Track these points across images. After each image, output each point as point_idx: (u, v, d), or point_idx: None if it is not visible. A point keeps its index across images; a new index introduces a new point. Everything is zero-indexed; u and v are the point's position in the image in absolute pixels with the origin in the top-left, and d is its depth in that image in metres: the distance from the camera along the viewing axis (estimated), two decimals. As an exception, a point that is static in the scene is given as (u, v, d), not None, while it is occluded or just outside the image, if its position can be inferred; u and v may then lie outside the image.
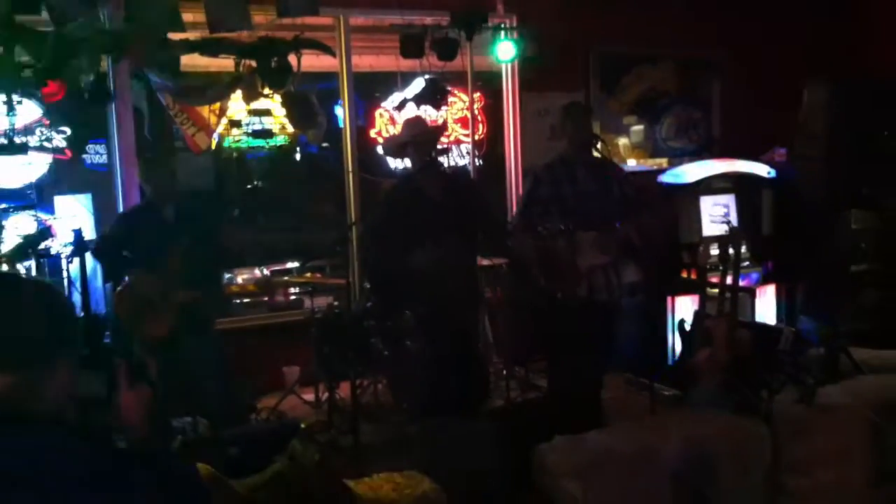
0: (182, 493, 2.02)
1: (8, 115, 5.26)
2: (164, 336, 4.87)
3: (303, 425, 3.46)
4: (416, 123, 5.77)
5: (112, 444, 1.99)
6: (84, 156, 6.43)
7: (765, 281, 7.05)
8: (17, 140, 5.64)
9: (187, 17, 5.78)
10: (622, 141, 8.15)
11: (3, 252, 5.29)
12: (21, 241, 5.19)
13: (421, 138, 5.35)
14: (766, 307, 6.96)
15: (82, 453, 1.81)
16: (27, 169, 6.07)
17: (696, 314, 5.93)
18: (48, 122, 6.20)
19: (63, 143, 6.27)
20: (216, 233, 5.20)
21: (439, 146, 7.13)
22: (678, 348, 6.06)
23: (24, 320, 1.84)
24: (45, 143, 6.19)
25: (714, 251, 6.45)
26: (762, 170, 7.22)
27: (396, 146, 5.68)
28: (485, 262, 6.22)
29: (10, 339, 1.81)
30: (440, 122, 7.72)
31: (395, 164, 7.57)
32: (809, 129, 7.27)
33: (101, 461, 1.83)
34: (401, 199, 5.31)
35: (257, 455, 3.94)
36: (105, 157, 6.37)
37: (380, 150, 7.51)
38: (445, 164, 6.27)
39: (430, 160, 5.24)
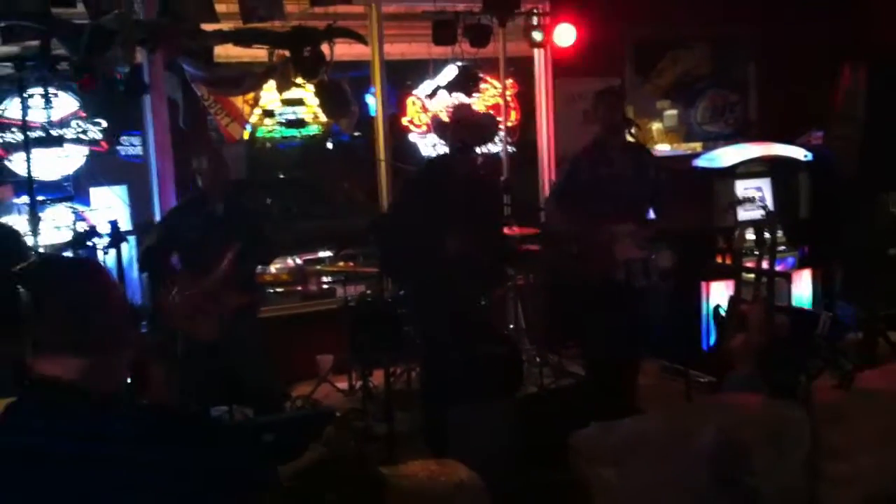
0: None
1: (44, 107, 5.31)
2: (215, 338, 4.89)
3: (338, 413, 3.47)
4: (488, 119, 5.77)
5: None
6: (118, 147, 6.48)
7: (801, 265, 6.97)
8: (54, 133, 5.70)
9: (220, 7, 5.80)
10: (656, 125, 8.09)
11: (40, 244, 5.32)
12: (69, 237, 5.23)
13: (474, 122, 5.33)
14: (802, 291, 6.89)
15: (158, 431, 1.85)
16: (64, 161, 6.13)
17: (732, 299, 5.89)
18: (84, 114, 6.26)
19: (99, 135, 6.32)
20: (265, 225, 5.19)
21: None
22: (713, 334, 6.04)
23: (105, 306, 1.89)
24: (82, 136, 6.25)
25: (750, 236, 6.42)
26: (798, 153, 7.14)
27: (463, 129, 5.60)
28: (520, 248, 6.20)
29: (92, 324, 1.86)
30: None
31: (428, 151, 7.57)
32: (847, 110, 7.15)
33: (177, 433, 1.88)
34: (423, 186, 5.27)
35: (292, 442, 3.98)
36: (140, 148, 6.42)
37: (414, 134, 7.48)
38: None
39: (469, 146, 5.19)
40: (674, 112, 8.18)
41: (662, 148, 7.94)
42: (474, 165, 5.42)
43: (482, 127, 5.54)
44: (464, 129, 5.14)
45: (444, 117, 7.62)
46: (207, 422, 2.09)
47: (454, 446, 4.36)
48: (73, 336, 1.82)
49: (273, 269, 7.71)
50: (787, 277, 5.82)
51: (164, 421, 1.89)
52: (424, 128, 7.71)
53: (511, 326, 6.93)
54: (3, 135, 6.08)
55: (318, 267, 7.12)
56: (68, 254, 5.18)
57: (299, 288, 7.52)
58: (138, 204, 6.36)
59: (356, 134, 7.80)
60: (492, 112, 7.46)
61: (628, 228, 5.14)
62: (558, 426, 4.23)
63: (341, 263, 6.63)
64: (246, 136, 7.24)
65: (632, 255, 5.18)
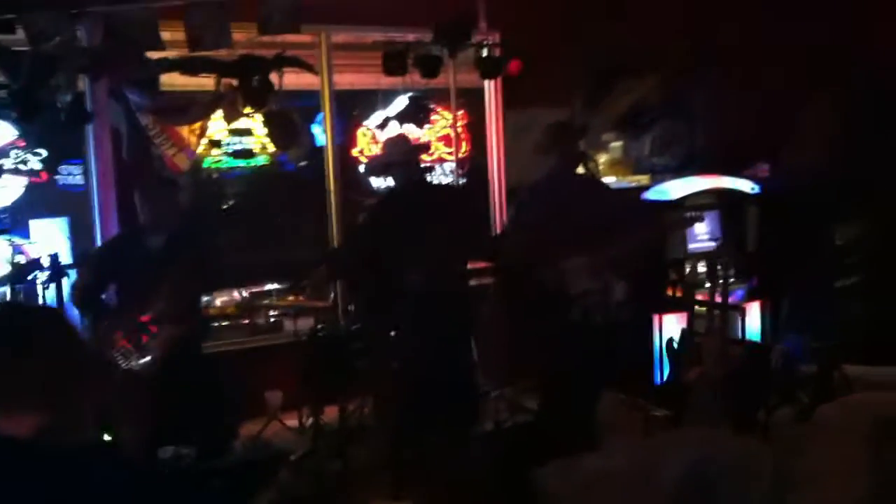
0: None
1: (-20, 136, 5.10)
2: (152, 374, 4.73)
3: (292, 457, 3.33)
4: (398, 142, 5.67)
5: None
6: (58, 177, 6.27)
7: (750, 297, 6.99)
8: (-9, 162, 5.50)
9: (167, 35, 5.65)
10: (602, 157, 8.08)
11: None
12: (6, 271, 5.01)
13: (403, 158, 5.23)
14: (751, 324, 6.90)
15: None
16: (1, 192, 5.91)
17: (685, 332, 5.88)
18: (23, 143, 6.05)
19: (39, 165, 6.11)
20: (205, 258, 5.02)
21: (423, 165, 7.06)
22: (667, 367, 6.01)
23: (65, 358, 1.74)
24: (20, 166, 6.03)
25: (701, 268, 6.43)
26: (746, 185, 7.19)
27: (380, 166, 5.58)
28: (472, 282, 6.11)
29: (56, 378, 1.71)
30: (423, 140, 7.63)
31: (379, 182, 7.47)
32: (804, 139, 7.24)
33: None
34: (385, 218, 5.19)
35: (243, 488, 3.83)
36: (80, 177, 6.21)
37: (362, 169, 7.41)
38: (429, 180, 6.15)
39: (414, 178, 5.13)
40: (619, 144, 8.19)
41: (608, 181, 7.94)
42: (429, 188, 5.36)
43: (412, 155, 5.44)
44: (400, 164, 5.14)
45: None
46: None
47: (413, 486, 4.25)
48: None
49: (218, 301, 7.53)
50: (740, 310, 5.81)
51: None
52: (366, 169, 7.60)
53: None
54: (-62, 164, 5.86)
55: (266, 301, 6.94)
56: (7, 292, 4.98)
57: (246, 322, 7.35)
58: (80, 236, 6.15)
59: (302, 163, 7.67)
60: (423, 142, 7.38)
61: (580, 261, 5.08)
62: (517, 464, 4.16)
63: (290, 298, 6.47)
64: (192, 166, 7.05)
65: (586, 287, 5.12)
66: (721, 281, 5.72)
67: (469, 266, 5.90)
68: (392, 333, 4.89)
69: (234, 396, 5.79)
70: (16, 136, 6.03)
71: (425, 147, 7.23)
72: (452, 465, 4.57)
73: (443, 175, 7.80)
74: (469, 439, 5.03)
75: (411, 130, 7.37)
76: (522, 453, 4.41)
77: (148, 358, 4.76)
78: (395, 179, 5.37)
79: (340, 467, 4.94)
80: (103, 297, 5.10)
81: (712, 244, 6.87)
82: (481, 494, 4.11)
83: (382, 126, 7.33)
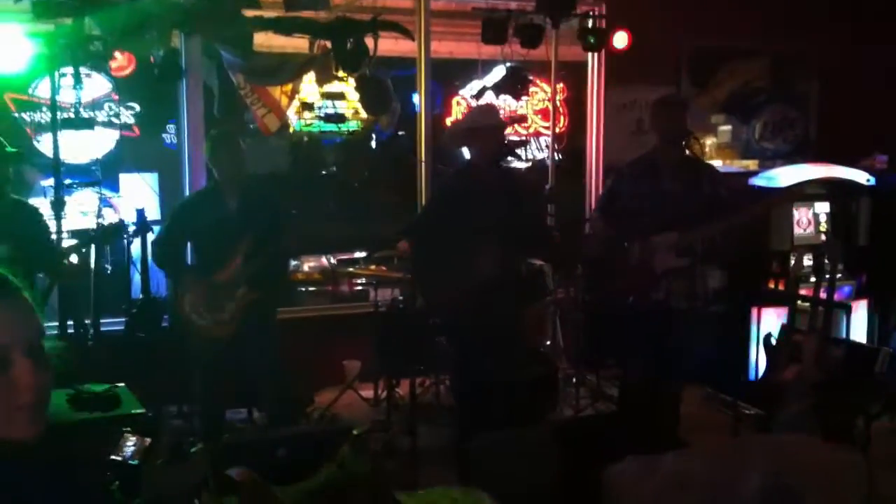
0: None
1: (74, 87, 5.11)
2: (227, 335, 4.67)
3: (356, 431, 3.20)
4: (485, 111, 5.41)
5: None
6: (164, 135, 6.30)
7: (858, 295, 6.61)
8: (85, 114, 5.51)
9: (263, -6, 5.59)
10: (709, 140, 7.75)
11: (65, 235, 5.12)
12: (93, 232, 5.02)
13: (486, 127, 4.90)
14: (857, 324, 6.52)
15: None
16: (93, 144, 5.94)
17: (784, 328, 5.56)
18: (117, 97, 6.07)
19: (131, 120, 6.12)
20: (285, 222, 4.92)
21: (516, 138, 6.84)
22: (762, 364, 5.71)
23: None
24: (114, 119, 6.06)
25: (807, 261, 6.08)
26: (861, 177, 6.77)
27: (460, 133, 5.32)
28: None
29: None
30: (519, 113, 7.40)
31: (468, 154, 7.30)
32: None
33: None
34: (454, 193, 4.94)
35: (307, 458, 3.73)
36: (173, 136, 6.23)
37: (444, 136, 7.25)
38: (515, 158, 5.88)
39: (494, 153, 4.83)
40: (728, 128, 7.85)
41: (715, 164, 7.60)
42: (508, 172, 5.08)
43: (495, 124, 5.10)
44: (479, 133, 4.81)
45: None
46: None
47: (480, 471, 4.08)
48: None
49: (306, 267, 7.52)
50: (845, 308, 5.46)
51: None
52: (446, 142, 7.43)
53: (548, 343, 6.63)
54: (33, 114, 5.91)
55: (350, 269, 6.87)
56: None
57: (330, 289, 7.31)
58: (168, 193, 6.16)
59: (400, 133, 7.56)
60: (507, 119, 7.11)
61: (668, 238, 4.81)
62: (593, 457, 3.95)
63: (373, 266, 6.37)
64: (287, 128, 7.01)
65: (672, 265, 4.84)
66: (827, 276, 5.39)
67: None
68: (464, 312, 4.66)
69: (309, 363, 5.75)
70: (110, 90, 6.05)
71: (518, 119, 6.99)
72: (525, 452, 4.37)
73: (538, 149, 7.57)
74: (545, 426, 4.83)
75: (508, 102, 7.15)
76: (600, 445, 4.18)
77: (225, 318, 4.70)
78: (472, 149, 5.09)
79: (409, 445, 4.81)
80: (183, 254, 5.04)
81: (821, 236, 6.55)
82: (552, 484, 3.91)
83: (478, 96, 7.13)
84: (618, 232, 5.00)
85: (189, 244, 5.08)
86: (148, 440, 2.83)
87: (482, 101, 6.99)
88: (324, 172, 8.07)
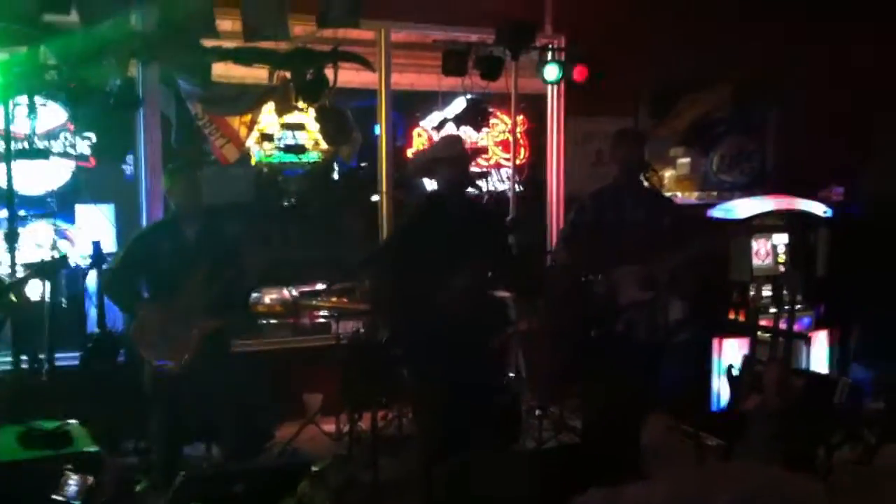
0: None
1: (29, 117, 5.03)
2: (183, 366, 4.57)
3: (315, 467, 3.14)
4: (449, 142, 5.40)
5: None
6: (122, 166, 6.23)
7: (817, 326, 6.66)
8: (39, 144, 5.43)
9: (224, 24, 5.58)
10: (668, 172, 7.79)
11: (19, 267, 5.02)
12: (39, 264, 4.91)
13: (449, 157, 4.88)
14: (817, 354, 6.56)
15: None
16: (48, 175, 5.84)
17: (746, 358, 5.58)
18: (73, 126, 5.98)
19: (87, 150, 6.04)
20: (244, 253, 4.85)
21: (477, 169, 6.84)
22: (724, 394, 5.71)
23: None
24: (69, 150, 5.97)
25: (766, 292, 6.11)
26: (819, 208, 6.85)
27: (424, 163, 5.29)
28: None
29: None
30: (479, 144, 7.41)
31: (432, 185, 7.29)
32: (882, 160, 6.89)
33: None
34: (421, 221, 4.90)
35: (265, 494, 3.65)
36: (131, 166, 6.15)
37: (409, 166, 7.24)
38: (476, 190, 5.86)
39: (458, 183, 4.80)
40: (686, 160, 7.90)
41: (674, 196, 7.64)
42: (472, 202, 5.05)
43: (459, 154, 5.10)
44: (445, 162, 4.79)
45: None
46: None
47: (442, 501, 4.04)
48: None
49: (267, 299, 7.43)
50: (805, 339, 5.49)
51: None
52: (409, 170, 7.43)
53: (511, 374, 6.58)
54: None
55: (313, 301, 6.80)
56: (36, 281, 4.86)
57: (291, 321, 7.23)
58: (125, 224, 6.07)
59: (362, 165, 7.54)
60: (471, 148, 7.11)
61: (631, 270, 4.82)
62: (556, 488, 3.91)
63: (335, 298, 6.31)
64: (245, 158, 6.96)
65: (635, 298, 4.84)
66: (787, 306, 5.43)
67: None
68: (427, 343, 4.60)
69: (269, 397, 5.66)
70: (65, 120, 5.97)
71: (479, 151, 6.99)
72: (488, 484, 4.32)
73: (499, 181, 7.58)
74: (508, 458, 4.77)
75: (469, 133, 7.16)
76: (563, 476, 4.14)
77: (181, 350, 4.60)
78: (436, 179, 5.05)
79: (370, 479, 4.73)
80: (138, 285, 4.94)
81: (780, 267, 6.59)
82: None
83: (439, 128, 7.15)
84: (581, 263, 5.00)
85: (144, 277, 4.97)
86: (91, 479, 2.76)
87: (444, 133, 7.00)
88: (285, 203, 8.02)
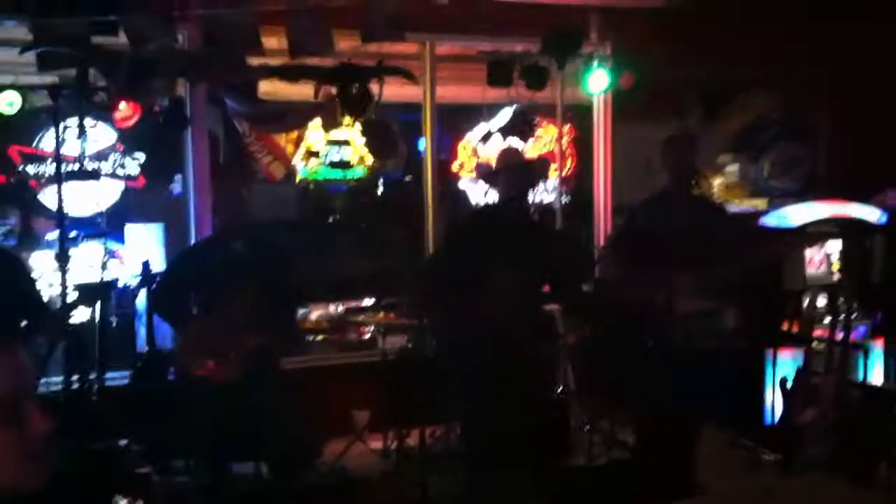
0: None
1: (79, 138, 5.09)
2: (231, 383, 4.58)
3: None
4: (508, 154, 5.37)
5: None
6: (170, 185, 6.29)
7: (873, 335, 6.50)
8: (89, 166, 5.49)
9: (269, 42, 5.58)
10: (717, 180, 7.68)
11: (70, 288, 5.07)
12: (84, 287, 4.95)
13: (510, 169, 4.87)
14: (874, 365, 6.40)
15: None
16: (98, 196, 5.91)
17: (801, 370, 5.47)
18: (122, 147, 6.05)
19: (136, 170, 6.10)
20: (292, 270, 4.86)
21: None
22: (778, 407, 5.60)
23: None
24: (118, 170, 6.03)
25: (821, 301, 6.00)
26: (873, 214, 6.70)
27: (491, 173, 5.25)
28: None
29: None
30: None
31: (478, 198, 7.28)
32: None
33: None
34: (472, 234, 4.88)
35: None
36: (179, 185, 6.20)
37: (465, 180, 7.23)
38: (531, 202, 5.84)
39: (517, 195, 4.78)
40: (735, 167, 7.78)
41: (724, 204, 7.52)
42: (527, 215, 5.01)
43: (529, 172, 5.09)
44: (511, 175, 4.74)
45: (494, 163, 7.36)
46: None
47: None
48: None
49: (314, 316, 7.45)
50: (862, 349, 5.35)
51: None
52: (475, 173, 7.40)
53: (560, 389, 6.52)
54: (38, 166, 5.89)
55: (360, 317, 6.80)
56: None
57: (338, 337, 7.23)
58: (174, 243, 6.12)
59: (407, 178, 7.53)
60: (544, 157, 7.11)
61: (687, 279, 4.72)
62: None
63: (381, 314, 6.30)
64: (294, 175, 7.00)
65: (693, 308, 4.75)
66: (843, 316, 5.31)
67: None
68: (475, 357, 4.56)
69: (317, 414, 5.65)
70: (115, 140, 6.03)
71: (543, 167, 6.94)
72: (539, 501, 4.27)
73: (545, 191, 7.52)
74: (557, 475, 4.71)
75: (514, 144, 7.12)
76: (615, 493, 4.09)
77: (228, 367, 4.61)
78: (498, 191, 5.03)
79: (419, 496, 4.70)
80: (187, 302, 4.96)
81: (834, 275, 6.46)
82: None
83: (485, 139, 7.12)
84: (632, 271, 4.92)
85: (192, 292, 4.98)
86: (141, 501, 2.76)
87: (492, 146, 6.99)
88: (331, 219, 8.05)
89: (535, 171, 5.35)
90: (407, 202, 7.60)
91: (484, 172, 6.11)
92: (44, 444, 1.55)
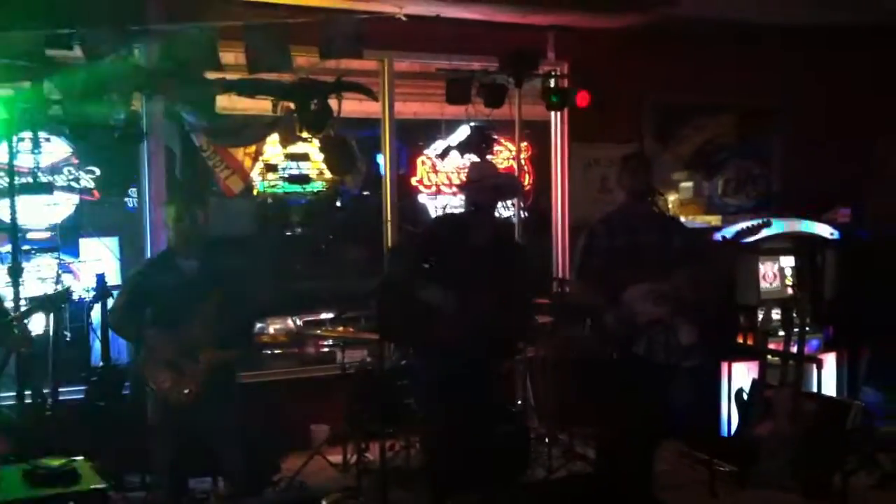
0: None
1: (33, 151, 5.03)
2: (190, 397, 4.52)
3: (324, 501, 3.10)
4: (477, 168, 5.37)
5: None
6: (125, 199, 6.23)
7: (825, 348, 6.62)
8: (43, 179, 5.43)
9: (227, 57, 5.56)
10: (672, 196, 7.78)
11: (23, 301, 5.00)
12: (41, 297, 4.87)
13: (478, 182, 4.89)
14: (826, 377, 6.50)
15: None
16: (52, 209, 5.83)
17: (756, 383, 5.55)
18: (77, 160, 5.98)
19: (91, 184, 6.04)
20: (248, 284, 4.82)
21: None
22: (734, 419, 5.66)
23: None
24: (73, 183, 5.97)
25: (774, 315, 6.08)
26: (825, 230, 6.83)
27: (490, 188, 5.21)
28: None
29: None
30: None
31: (437, 213, 7.31)
32: (886, 183, 6.87)
33: None
34: (441, 238, 4.87)
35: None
36: (135, 199, 6.14)
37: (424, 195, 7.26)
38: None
39: (486, 205, 4.80)
40: (690, 184, 7.89)
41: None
42: (493, 227, 5.00)
43: (505, 185, 5.13)
44: (487, 188, 4.76)
45: (455, 178, 7.38)
46: None
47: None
48: None
49: (271, 329, 7.40)
50: (816, 362, 5.44)
51: None
52: (434, 188, 7.44)
53: (519, 403, 6.54)
54: (-9, 180, 5.81)
55: (318, 331, 6.77)
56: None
57: (296, 351, 7.19)
58: (130, 257, 6.05)
59: (365, 193, 7.54)
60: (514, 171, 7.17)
61: (644, 287, 4.76)
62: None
63: (340, 328, 6.28)
64: (252, 190, 6.97)
65: (652, 314, 4.77)
66: (796, 329, 5.39)
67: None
68: (433, 371, 4.55)
69: (275, 428, 5.61)
70: (69, 154, 5.97)
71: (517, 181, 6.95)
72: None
73: (504, 208, 7.57)
74: (518, 488, 4.72)
75: (475, 160, 7.15)
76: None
77: (187, 383, 4.55)
78: (466, 201, 5.01)
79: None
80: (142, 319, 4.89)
81: (787, 290, 6.56)
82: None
83: (443, 156, 7.15)
84: (597, 289, 4.94)
85: (146, 309, 4.91)
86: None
87: (450, 162, 7.03)
88: (288, 233, 8.02)
89: (513, 184, 5.39)
90: (365, 217, 7.61)
91: (461, 184, 6.13)
92: None
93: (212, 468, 5.25)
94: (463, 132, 7.06)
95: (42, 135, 5.31)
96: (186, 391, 4.53)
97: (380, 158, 7.00)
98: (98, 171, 6.07)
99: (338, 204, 8.00)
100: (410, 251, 4.95)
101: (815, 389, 5.50)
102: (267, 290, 5.05)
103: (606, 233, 4.89)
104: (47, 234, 5.83)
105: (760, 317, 6.03)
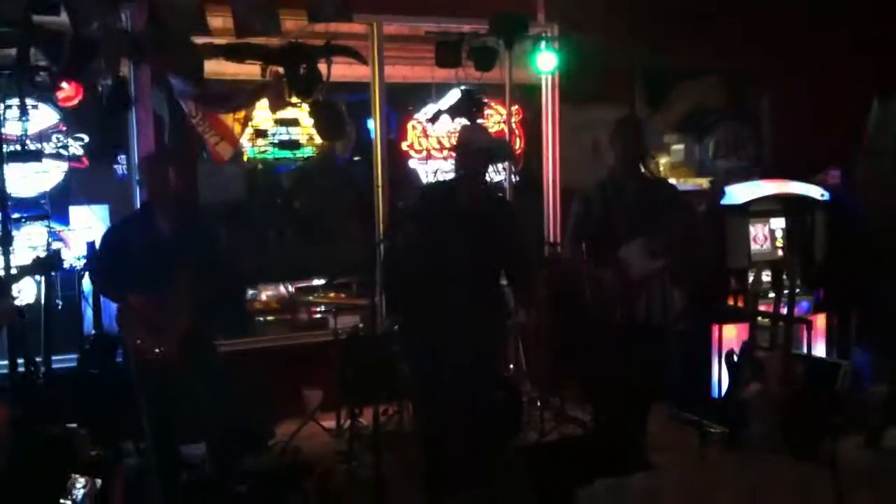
0: None
1: (21, 119, 4.98)
2: (166, 360, 4.50)
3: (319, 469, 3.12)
4: (469, 130, 5.31)
5: None
6: (114, 166, 6.19)
7: (816, 310, 6.64)
8: (31, 146, 5.38)
9: (215, 22, 5.52)
10: (663, 159, 7.78)
11: (13, 267, 4.98)
12: (33, 261, 4.84)
13: (468, 146, 4.83)
14: (817, 339, 6.55)
15: None
16: (41, 177, 5.80)
17: (746, 345, 5.57)
18: (65, 128, 5.94)
19: (80, 151, 6.00)
20: (232, 249, 4.80)
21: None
22: (724, 381, 5.70)
23: None
24: (62, 151, 5.92)
25: (765, 277, 6.10)
26: (815, 192, 6.83)
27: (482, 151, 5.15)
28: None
29: None
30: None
31: (427, 178, 7.28)
32: (876, 146, 6.86)
33: None
34: (431, 207, 4.83)
35: (268, 494, 3.63)
36: (123, 166, 6.11)
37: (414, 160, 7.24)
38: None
39: (477, 170, 4.75)
40: (681, 147, 7.89)
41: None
42: (486, 193, 4.96)
43: (496, 149, 5.08)
44: (477, 152, 4.71)
45: (446, 143, 7.35)
46: None
47: (447, 499, 4.03)
48: None
49: (263, 296, 7.41)
50: (806, 323, 5.46)
51: None
52: (424, 153, 7.40)
53: (511, 366, 6.57)
54: (-22, 148, 5.76)
55: (310, 297, 6.78)
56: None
57: (289, 317, 7.20)
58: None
59: (355, 158, 7.50)
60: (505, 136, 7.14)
61: (638, 243, 4.76)
62: (562, 480, 3.91)
63: (333, 294, 6.29)
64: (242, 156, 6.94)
65: (648, 268, 4.77)
66: (786, 292, 5.41)
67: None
68: (426, 335, 4.55)
69: (269, 395, 5.63)
70: (57, 121, 5.92)
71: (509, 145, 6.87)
72: (491, 479, 4.31)
73: (495, 172, 7.55)
74: (510, 451, 4.76)
75: (465, 123, 7.12)
76: (567, 469, 4.13)
77: (159, 344, 4.54)
78: (457, 167, 4.95)
79: (373, 475, 4.70)
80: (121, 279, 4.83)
81: (778, 252, 6.58)
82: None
83: (433, 120, 7.10)
84: (591, 254, 4.94)
85: (123, 267, 4.84)
86: (98, 482, 2.74)
87: (440, 126, 6.99)
88: (279, 199, 7.98)
89: (504, 148, 5.36)
90: (356, 182, 7.58)
91: (453, 147, 6.09)
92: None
93: (204, 434, 5.27)
94: (453, 96, 7.02)
95: (29, 102, 5.25)
96: (157, 350, 4.52)
97: (370, 123, 6.98)
98: (87, 139, 6.02)
99: (329, 170, 7.95)
100: (407, 230, 4.90)
101: (804, 351, 5.54)
102: (256, 256, 5.05)
103: (599, 198, 4.88)
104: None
105: (751, 279, 6.04)
